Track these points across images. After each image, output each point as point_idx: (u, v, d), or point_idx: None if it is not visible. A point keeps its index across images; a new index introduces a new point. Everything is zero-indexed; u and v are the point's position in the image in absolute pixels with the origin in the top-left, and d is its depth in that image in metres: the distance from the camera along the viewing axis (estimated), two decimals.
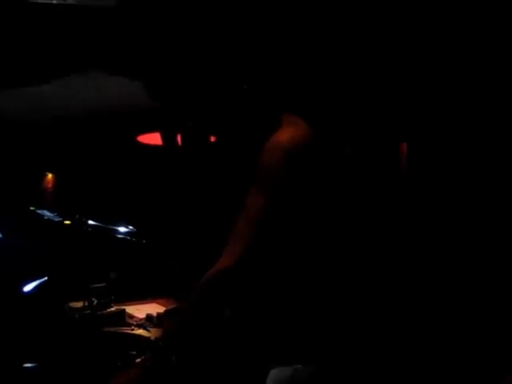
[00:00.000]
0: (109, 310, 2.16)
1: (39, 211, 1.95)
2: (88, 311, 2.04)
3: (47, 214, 1.96)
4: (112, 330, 2.03)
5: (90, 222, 2.01)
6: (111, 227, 1.94)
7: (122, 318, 2.17)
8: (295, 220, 1.53)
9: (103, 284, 2.25)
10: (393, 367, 1.56)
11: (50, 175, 7.22)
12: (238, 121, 1.63)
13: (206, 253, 1.84)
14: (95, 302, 2.13)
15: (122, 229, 1.96)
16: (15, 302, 1.05)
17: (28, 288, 1.13)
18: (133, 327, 2.08)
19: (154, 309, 2.34)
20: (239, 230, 1.48)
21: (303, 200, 1.53)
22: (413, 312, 2.46)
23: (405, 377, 1.69)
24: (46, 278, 1.20)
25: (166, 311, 2.18)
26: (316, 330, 1.48)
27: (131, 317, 2.23)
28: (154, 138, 3.98)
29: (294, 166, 1.49)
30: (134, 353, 1.81)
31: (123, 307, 2.25)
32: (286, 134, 1.54)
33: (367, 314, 1.54)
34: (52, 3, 2.37)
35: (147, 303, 2.52)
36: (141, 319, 2.18)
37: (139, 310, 2.31)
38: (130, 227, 1.98)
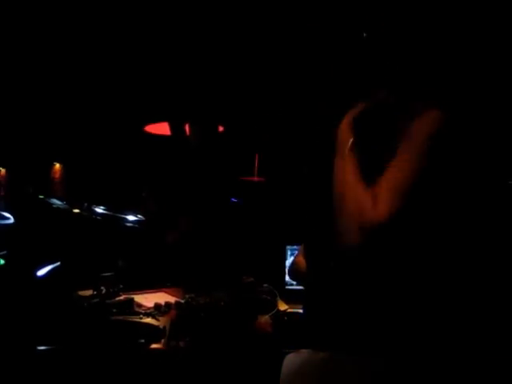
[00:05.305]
0: (117, 299, 2.17)
1: (48, 200, 1.95)
2: (96, 300, 2.04)
3: (56, 202, 1.96)
4: (120, 318, 2.03)
5: (99, 210, 2.01)
6: (119, 216, 1.94)
7: (131, 306, 2.18)
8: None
9: (112, 273, 2.26)
10: None
11: (57, 165, 7.24)
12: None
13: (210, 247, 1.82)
14: (104, 290, 2.14)
15: (131, 217, 1.96)
16: (28, 285, 1.05)
17: (41, 272, 1.13)
18: (141, 316, 2.09)
19: (162, 298, 2.34)
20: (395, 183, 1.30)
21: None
22: None
23: None
24: (58, 262, 1.20)
25: (176, 302, 2.19)
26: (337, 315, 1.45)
27: (139, 305, 2.23)
28: (161, 128, 3.98)
29: None
30: (143, 341, 1.82)
31: (131, 296, 2.25)
32: None
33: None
34: None
35: (155, 292, 2.52)
36: (149, 308, 2.19)
37: (147, 299, 2.31)
38: (139, 216, 1.98)
